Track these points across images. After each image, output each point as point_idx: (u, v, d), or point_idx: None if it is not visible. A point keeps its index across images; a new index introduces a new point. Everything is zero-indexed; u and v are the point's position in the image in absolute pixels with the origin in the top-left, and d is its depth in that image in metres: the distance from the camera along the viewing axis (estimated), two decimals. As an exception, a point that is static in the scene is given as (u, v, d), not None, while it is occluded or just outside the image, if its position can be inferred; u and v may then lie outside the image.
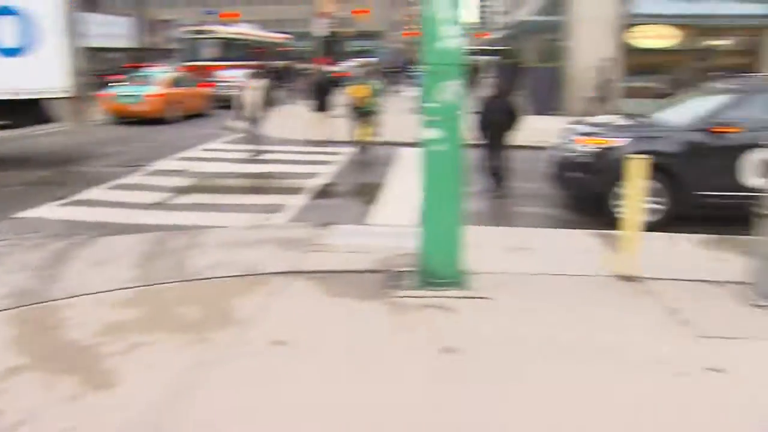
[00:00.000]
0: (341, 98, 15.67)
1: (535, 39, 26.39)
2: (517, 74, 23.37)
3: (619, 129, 8.79)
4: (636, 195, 5.82)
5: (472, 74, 23.67)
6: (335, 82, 18.19)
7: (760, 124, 7.82)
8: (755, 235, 5.55)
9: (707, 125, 8.03)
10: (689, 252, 6.85)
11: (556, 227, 8.14)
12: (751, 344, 4.70)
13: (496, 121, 9.91)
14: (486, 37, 48.66)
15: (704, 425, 3.68)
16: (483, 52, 29.60)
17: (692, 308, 5.27)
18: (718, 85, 9.34)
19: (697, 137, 8.04)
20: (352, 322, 5.01)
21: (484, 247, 6.56)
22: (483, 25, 60.57)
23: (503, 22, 43.65)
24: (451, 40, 5.23)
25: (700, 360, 4.40)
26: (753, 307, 5.33)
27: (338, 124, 15.16)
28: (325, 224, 7.67)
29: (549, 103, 20.48)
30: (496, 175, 10.11)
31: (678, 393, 4.01)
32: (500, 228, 8.01)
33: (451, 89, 5.28)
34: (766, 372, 4.31)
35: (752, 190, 6.70)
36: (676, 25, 20.43)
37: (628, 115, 10.43)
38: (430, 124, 5.34)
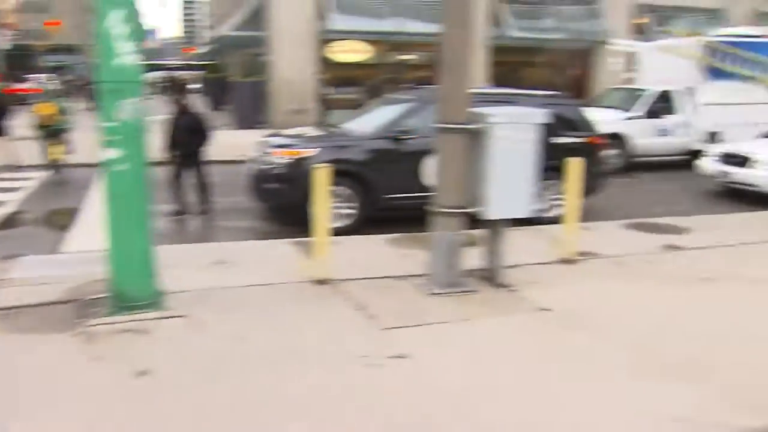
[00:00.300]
0: (26, 118, 14.35)
1: (239, 53, 26.63)
2: (223, 89, 23.43)
3: (311, 140, 9.18)
4: (324, 202, 6.16)
5: (177, 89, 23.31)
6: (16, 99, 16.57)
7: (432, 131, 8.69)
8: (430, 230, 6.19)
9: (389, 133, 8.79)
10: (378, 251, 7.43)
11: (256, 239, 8.33)
12: (428, 329, 5.26)
13: (185, 138, 9.77)
14: (193, 51, 48.00)
15: (394, 406, 4.03)
16: (189, 67, 29.20)
17: (378, 303, 5.74)
18: (398, 95, 10.23)
19: (381, 144, 8.77)
20: (40, 359, 4.64)
21: (182, 265, 6.48)
22: (189, 39, 59.56)
23: (209, 37, 43.38)
24: (128, 56, 5.08)
25: (385, 349, 4.81)
26: (430, 296, 5.96)
27: (23, 146, 13.88)
28: (10, 257, 7.02)
29: (254, 116, 20.85)
30: (194, 191, 10.01)
31: (369, 383, 4.35)
32: (199, 245, 7.98)
33: (131, 107, 5.14)
34: (441, 352, 4.83)
35: (429, 190, 7.43)
36: (368, 41, 22.03)
37: (321, 126, 10.99)
38: (110, 144, 5.16)
